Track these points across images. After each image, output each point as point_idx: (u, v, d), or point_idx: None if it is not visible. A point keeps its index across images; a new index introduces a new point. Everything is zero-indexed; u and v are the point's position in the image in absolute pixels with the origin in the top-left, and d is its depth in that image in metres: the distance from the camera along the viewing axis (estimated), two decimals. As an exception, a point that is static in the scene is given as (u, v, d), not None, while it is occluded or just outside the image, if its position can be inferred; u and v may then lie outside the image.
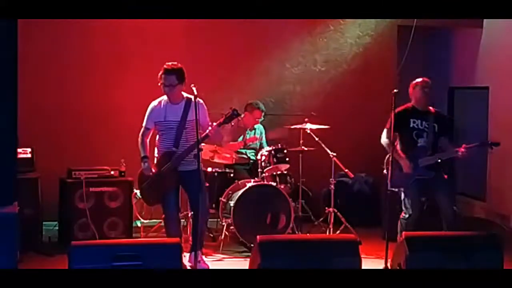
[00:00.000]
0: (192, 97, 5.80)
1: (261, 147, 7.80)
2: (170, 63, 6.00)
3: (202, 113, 6.00)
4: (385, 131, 6.33)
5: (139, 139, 6.16)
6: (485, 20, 8.75)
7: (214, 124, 6.00)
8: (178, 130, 6.01)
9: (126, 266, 4.41)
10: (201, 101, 6.02)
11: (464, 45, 9.36)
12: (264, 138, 7.93)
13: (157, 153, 6.20)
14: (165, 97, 6.12)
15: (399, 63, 8.71)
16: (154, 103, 6.18)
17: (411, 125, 6.24)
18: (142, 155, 6.13)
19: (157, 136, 6.24)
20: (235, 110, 6.05)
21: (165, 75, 5.96)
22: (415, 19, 8.35)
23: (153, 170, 6.10)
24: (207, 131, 5.94)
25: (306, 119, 7.49)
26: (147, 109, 6.20)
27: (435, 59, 9.72)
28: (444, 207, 6.19)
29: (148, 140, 6.19)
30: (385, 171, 6.25)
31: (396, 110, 6.20)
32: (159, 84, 6.01)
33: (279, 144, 7.42)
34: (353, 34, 8.83)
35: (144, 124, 6.20)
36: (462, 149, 6.08)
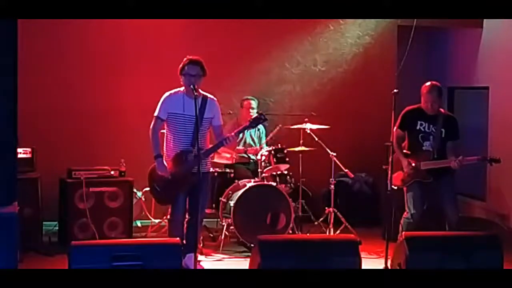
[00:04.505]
0: (208, 94, 5.80)
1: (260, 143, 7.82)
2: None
3: (218, 113, 5.96)
4: (394, 129, 6.28)
5: (152, 134, 5.83)
6: (485, 20, 8.74)
7: (240, 127, 5.96)
8: (195, 127, 5.68)
9: (126, 266, 4.41)
10: (215, 99, 5.97)
11: (464, 45, 9.36)
12: (264, 137, 7.91)
13: (168, 150, 5.89)
14: (181, 89, 5.87)
15: (399, 63, 8.70)
16: (170, 92, 5.88)
17: (418, 127, 6.20)
18: (156, 153, 5.79)
19: (166, 133, 5.93)
20: (262, 115, 5.97)
21: (191, 65, 5.78)
22: (415, 19, 8.35)
23: (168, 170, 5.79)
24: (231, 135, 5.80)
25: (306, 119, 7.49)
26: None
27: (435, 59, 9.71)
28: (448, 212, 6.15)
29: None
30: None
31: (407, 108, 6.27)
32: (181, 75, 5.80)
33: (279, 144, 7.43)
34: (353, 34, 8.82)
35: (156, 114, 5.85)
36: (457, 162, 6.01)
